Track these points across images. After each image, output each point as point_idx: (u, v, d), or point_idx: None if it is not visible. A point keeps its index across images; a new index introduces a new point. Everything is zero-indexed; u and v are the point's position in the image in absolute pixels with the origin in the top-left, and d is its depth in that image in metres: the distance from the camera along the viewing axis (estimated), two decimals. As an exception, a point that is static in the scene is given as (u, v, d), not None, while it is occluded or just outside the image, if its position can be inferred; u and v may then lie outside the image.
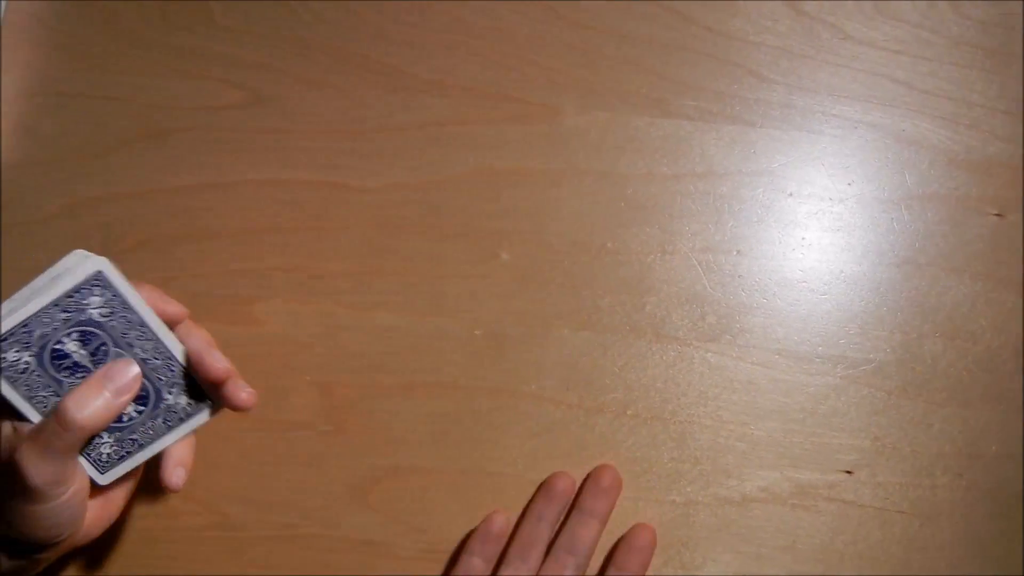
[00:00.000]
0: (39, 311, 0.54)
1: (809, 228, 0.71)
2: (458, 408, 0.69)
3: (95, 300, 0.55)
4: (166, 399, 0.59)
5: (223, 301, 0.70)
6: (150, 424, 0.59)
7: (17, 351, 0.55)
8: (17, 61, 0.73)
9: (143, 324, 0.57)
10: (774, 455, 0.69)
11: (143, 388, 0.58)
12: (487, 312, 0.70)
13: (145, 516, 0.69)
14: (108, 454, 0.59)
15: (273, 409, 0.70)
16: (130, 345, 0.57)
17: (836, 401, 0.69)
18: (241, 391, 0.58)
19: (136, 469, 0.61)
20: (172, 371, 0.59)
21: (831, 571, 0.68)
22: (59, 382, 0.56)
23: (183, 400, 0.59)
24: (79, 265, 0.55)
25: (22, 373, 0.55)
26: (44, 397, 0.56)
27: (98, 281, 0.55)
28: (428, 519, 0.69)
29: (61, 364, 0.56)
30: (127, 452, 0.59)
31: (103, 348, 0.56)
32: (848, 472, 0.69)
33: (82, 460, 0.58)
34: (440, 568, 0.68)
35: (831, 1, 0.73)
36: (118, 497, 0.62)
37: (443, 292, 0.70)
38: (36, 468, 0.53)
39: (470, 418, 0.69)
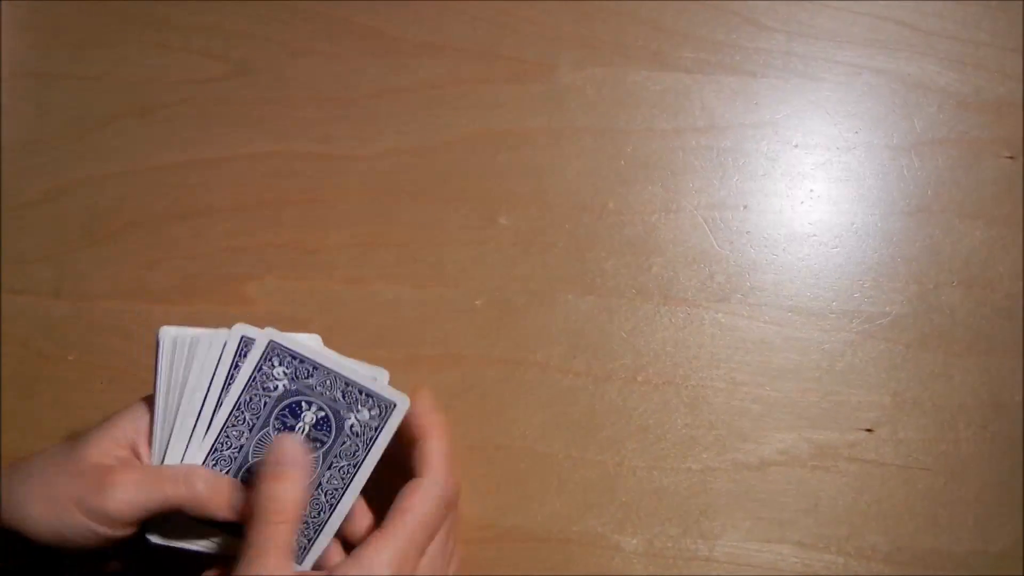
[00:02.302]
0: (329, 369, 0.54)
1: (817, 179, 0.65)
2: (463, 380, 0.64)
3: (365, 415, 0.53)
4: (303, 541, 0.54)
5: (216, 280, 0.65)
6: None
7: (284, 371, 0.54)
8: (-6, 44, 0.68)
9: (357, 467, 0.53)
10: (791, 416, 0.63)
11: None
12: (488, 280, 0.65)
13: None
14: (178, 524, 0.53)
15: (272, 391, 0.64)
16: (329, 466, 0.53)
17: (852, 357, 0.64)
18: None
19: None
20: (318, 517, 0.54)
21: (856, 532, 0.62)
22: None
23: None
24: (386, 384, 0.54)
25: (264, 389, 0.54)
26: (246, 417, 0.54)
27: (384, 408, 0.53)
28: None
29: (284, 416, 0.54)
30: (190, 536, 0.54)
31: (317, 443, 0.53)
32: (868, 430, 0.63)
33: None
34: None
35: (828, -55, 0.68)
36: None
37: (442, 261, 0.65)
38: (127, 489, 0.50)
39: (476, 391, 0.63)
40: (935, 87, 0.66)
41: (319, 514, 0.54)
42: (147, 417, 0.54)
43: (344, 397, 0.53)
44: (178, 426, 0.53)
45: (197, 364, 0.53)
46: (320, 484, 0.54)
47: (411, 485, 0.53)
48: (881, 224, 0.65)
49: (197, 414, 0.53)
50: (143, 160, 0.66)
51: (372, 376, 0.54)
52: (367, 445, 0.53)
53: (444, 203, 0.65)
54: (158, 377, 0.53)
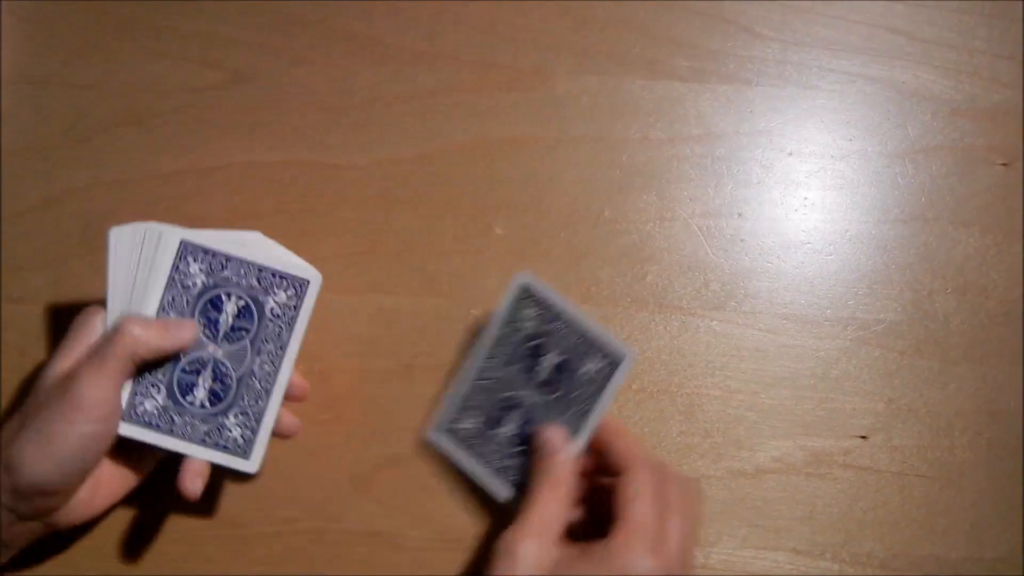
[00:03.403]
0: (243, 259, 0.55)
1: (811, 187, 0.64)
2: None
3: (282, 296, 0.56)
4: (228, 418, 0.56)
5: (211, 290, 0.64)
6: (197, 424, 0.55)
7: (200, 268, 0.55)
8: (-10, 53, 0.66)
9: (284, 348, 0.56)
10: (786, 423, 0.62)
11: (225, 389, 0.55)
12: (484, 289, 0.63)
13: (143, 515, 0.62)
14: (147, 410, 0.54)
15: (268, 399, 0.63)
16: (259, 352, 0.55)
17: (847, 364, 0.62)
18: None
19: (133, 473, 0.57)
20: (256, 404, 0.56)
21: (851, 539, 0.61)
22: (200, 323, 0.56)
23: (236, 433, 0.56)
24: (298, 262, 0.57)
25: (184, 288, 0.55)
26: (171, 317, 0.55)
27: (299, 287, 0.56)
28: (434, 508, 0.62)
29: (208, 310, 0.55)
30: (158, 425, 0.55)
31: (243, 331, 0.55)
32: (863, 437, 0.62)
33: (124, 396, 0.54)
34: (449, 558, 0.61)
35: (822, -47, 0.66)
36: (105, 491, 0.56)
37: (438, 270, 0.63)
38: (88, 385, 0.51)
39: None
40: (929, 95, 0.65)
41: (257, 401, 0.56)
42: (102, 326, 0.55)
43: (260, 283, 0.55)
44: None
45: (133, 263, 0.55)
46: (253, 372, 0.55)
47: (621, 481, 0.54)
48: (876, 232, 0.64)
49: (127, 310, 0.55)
50: (140, 168, 0.64)
51: (286, 260, 0.56)
52: (289, 325, 0.56)
53: (440, 212, 0.64)
54: (108, 277, 0.55)
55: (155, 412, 0.55)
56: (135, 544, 0.62)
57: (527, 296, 0.57)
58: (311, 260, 0.63)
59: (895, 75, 0.65)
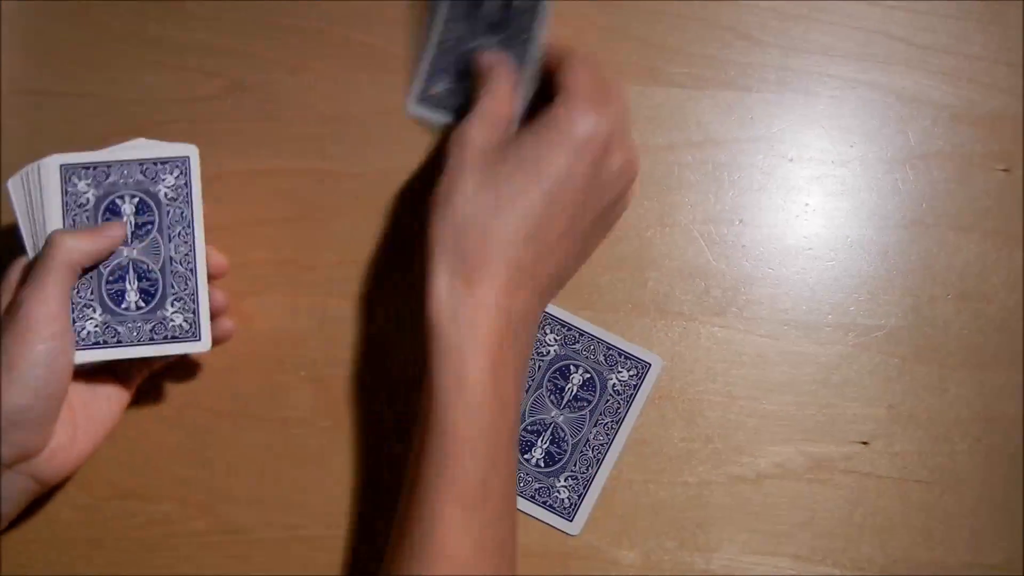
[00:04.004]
0: (122, 160, 0.56)
1: (812, 193, 0.64)
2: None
3: (169, 179, 0.56)
4: (166, 309, 0.56)
5: (213, 298, 0.63)
6: (140, 325, 0.56)
7: (87, 184, 0.56)
8: (-10, 63, 0.66)
9: (190, 226, 0.57)
10: (787, 429, 0.62)
11: (153, 284, 0.56)
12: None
13: (145, 522, 0.62)
14: (90, 332, 0.55)
15: (270, 407, 0.63)
16: (169, 239, 0.56)
17: (848, 370, 0.62)
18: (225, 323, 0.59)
19: (106, 407, 0.58)
20: (186, 286, 0.56)
21: (851, 545, 0.61)
22: None
23: (179, 319, 0.56)
24: (172, 145, 0.57)
25: (80, 207, 0.56)
26: None
27: (181, 165, 0.57)
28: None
29: (107, 218, 0.56)
30: (105, 341, 0.56)
31: (148, 225, 0.56)
32: (864, 443, 0.62)
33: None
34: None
35: (822, -42, 0.66)
36: (84, 431, 0.57)
37: (438, 278, 0.63)
38: (33, 305, 0.52)
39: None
40: (929, 101, 0.64)
41: (187, 283, 0.57)
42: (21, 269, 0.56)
43: (145, 176, 0.57)
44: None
45: (32, 205, 0.56)
46: (171, 258, 0.56)
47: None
48: (876, 237, 0.63)
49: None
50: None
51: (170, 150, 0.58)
52: (187, 201, 0.57)
53: (440, 220, 0.63)
54: (19, 227, 0.56)
55: (98, 330, 0.55)
56: (137, 550, 0.62)
57: (546, 321, 0.61)
58: (310, 268, 0.63)
59: (895, 81, 0.64)
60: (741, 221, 0.63)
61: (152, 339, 0.56)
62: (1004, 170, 0.63)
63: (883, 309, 0.63)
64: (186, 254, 0.56)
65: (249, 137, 0.64)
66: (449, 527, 0.50)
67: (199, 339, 0.56)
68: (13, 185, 0.56)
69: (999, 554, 0.61)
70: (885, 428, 0.62)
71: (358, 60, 0.65)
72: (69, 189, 0.56)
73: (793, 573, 0.61)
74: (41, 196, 0.56)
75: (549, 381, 0.61)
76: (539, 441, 0.61)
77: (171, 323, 0.56)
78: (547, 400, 0.61)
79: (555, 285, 0.56)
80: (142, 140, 0.58)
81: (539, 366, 0.61)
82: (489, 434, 0.51)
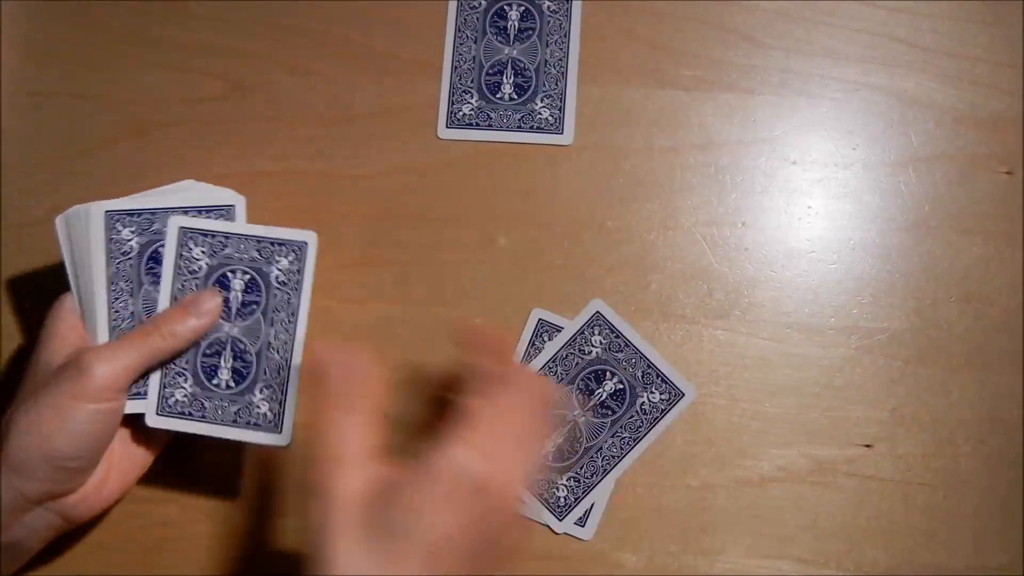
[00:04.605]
0: (244, 234, 0.55)
1: (814, 196, 0.63)
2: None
3: (283, 263, 0.55)
4: (254, 395, 0.55)
5: (214, 301, 0.63)
6: (227, 406, 0.55)
7: (202, 251, 0.55)
8: (-9, 65, 0.65)
9: (295, 314, 0.55)
10: (790, 432, 0.61)
11: (247, 366, 0.55)
12: (488, 299, 0.62)
13: (150, 525, 0.61)
14: (178, 400, 0.55)
15: (272, 410, 0.62)
16: (271, 323, 0.55)
17: (851, 373, 0.62)
18: None
19: (140, 457, 0.57)
20: (279, 375, 0.55)
21: (855, 548, 0.61)
22: (141, 284, 0.56)
23: (265, 408, 0.55)
24: (288, 232, 0.56)
25: (191, 273, 0.55)
26: (122, 287, 0.55)
27: (299, 250, 0.55)
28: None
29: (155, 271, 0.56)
30: (190, 413, 0.55)
31: (253, 305, 0.55)
32: (867, 446, 0.61)
33: (152, 390, 0.55)
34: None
35: (824, -39, 0.65)
36: (116, 477, 0.56)
37: (441, 280, 0.63)
38: (105, 364, 0.51)
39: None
40: (932, 103, 0.64)
41: (279, 372, 0.55)
42: (73, 310, 0.55)
43: (261, 253, 0.55)
44: (101, 304, 0.55)
45: (78, 246, 0.55)
46: (270, 343, 0.55)
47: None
48: (879, 240, 0.63)
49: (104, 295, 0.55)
50: (141, 179, 0.63)
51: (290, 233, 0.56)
52: (297, 291, 0.56)
53: (443, 223, 0.63)
54: (65, 263, 0.56)
55: (186, 400, 0.55)
56: (140, 552, 0.61)
57: (597, 322, 0.60)
58: (315, 270, 0.62)
59: (898, 83, 0.64)
60: (744, 224, 0.63)
61: (235, 421, 0.55)
62: (1007, 172, 0.63)
63: (886, 312, 0.62)
64: (284, 342, 0.55)
65: (250, 138, 0.64)
66: None
67: (280, 432, 0.55)
68: (62, 223, 0.55)
69: (1002, 556, 0.60)
70: (888, 431, 0.61)
71: (359, 61, 0.64)
72: (183, 254, 0.55)
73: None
74: (88, 242, 0.55)
75: (582, 380, 0.61)
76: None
77: (256, 410, 0.55)
78: (575, 398, 0.61)
79: None
80: (190, 182, 0.58)
81: (577, 363, 0.61)
82: None
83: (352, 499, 0.45)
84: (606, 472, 0.60)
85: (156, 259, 0.55)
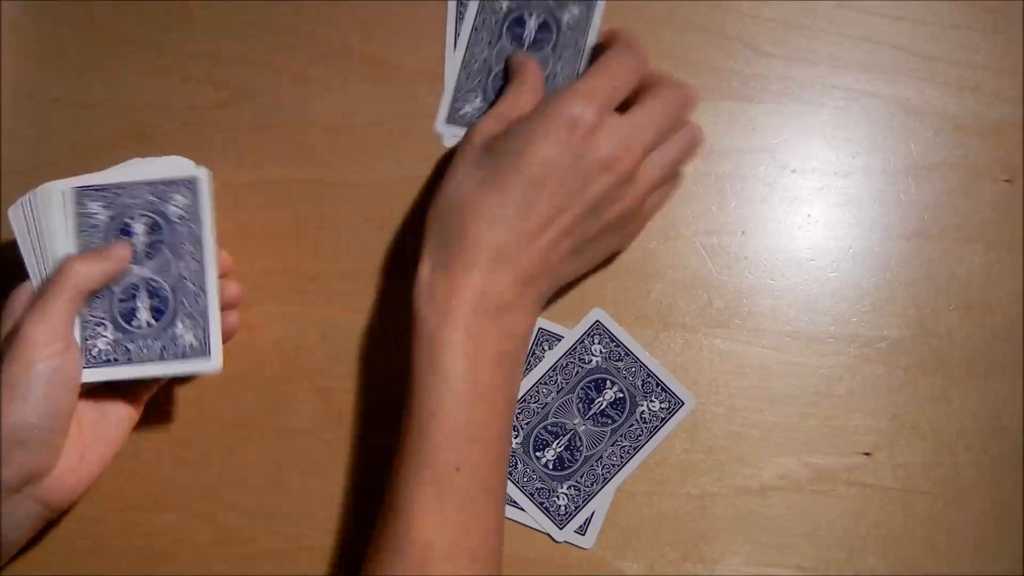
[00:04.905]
0: (135, 182, 0.56)
1: (815, 204, 0.63)
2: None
3: (179, 199, 0.56)
4: (176, 327, 0.56)
5: (215, 308, 0.63)
6: (151, 343, 0.56)
7: (100, 205, 0.56)
8: (-7, 71, 0.65)
9: (200, 244, 0.56)
10: (790, 441, 0.61)
11: (163, 302, 0.56)
12: (488, 307, 0.62)
13: (148, 533, 0.62)
14: (101, 350, 0.55)
15: (273, 417, 0.62)
16: (179, 257, 0.56)
17: (851, 382, 0.62)
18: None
19: (112, 428, 0.57)
20: (197, 303, 0.56)
21: (855, 556, 0.61)
22: None
23: (189, 337, 0.56)
24: (180, 165, 0.57)
25: (93, 227, 0.56)
26: None
27: (191, 185, 0.56)
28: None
29: (118, 239, 0.56)
30: (115, 359, 0.55)
31: (159, 244, 0.56)
32: (867, 454, 0.61)
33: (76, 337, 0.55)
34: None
35: (825, -33, 0.65)
36: (93, 457, 0.56)
37: (441, 289, 0.62)
38: (36, 319, 0.52)
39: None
40: (932, 111, 0.63)
41: (197, 301, 0.56)
42: (31, 294, 0.55)
43: (156, 195, 0.56)
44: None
45: (37, 230, 0.56)
46: (182, 275, 0.56)
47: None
48: (879, 248, 0.63)
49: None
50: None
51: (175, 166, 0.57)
52: (197, 221, 0.57)
53: (443, 230, 0.63)
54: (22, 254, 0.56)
55: (109, 348, 0.55)
56: (141, 560, 0.61)
57: (597, 331, 0.61)
58: (313, 277, 0.63)
59: (898, 92, 0.64)
60: (744, 232, 0.63)
61: (162, 357, 0.56)
62: (1007, 181, 0.63)
63: (886, 320, 0.62)
64: (196, 271, 0.56)
65: (252, 146, 0.64)
66: (423, 511, 0.50)
67: (209, 357, 0.56)
68: (14, 214, 0.56)
69: (1003, 565, 0.60)
70: (888, 439, 0.61)
71: (360, 70, 0.64)
72: (80, 212, 0.56)
73: (796, 584, 0.61)
74: (45, 222, 0.55)
75: (582, 389, 0.61)
76: (555, 443, 0.60)
77: (181, 341, 0.56)
78: (575, 406, 0.61)
79: (545, 277, 0.55)
80: (137, 159, 0.58)
81: (577, 372, 0.61)
82: (464, 417, 0.51)
83: (484, 135, 0.55)
84: (606, 480, 0.60)
85: (126, 231, 0.56)
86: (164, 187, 0.56)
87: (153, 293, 0.56)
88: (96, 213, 0.56)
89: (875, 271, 0.62)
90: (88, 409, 0.56)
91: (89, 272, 0.54)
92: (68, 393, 0.53)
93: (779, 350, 0.62)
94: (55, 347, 0.52)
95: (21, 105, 0.65)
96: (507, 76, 0.62)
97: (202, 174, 0.57)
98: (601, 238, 0.57)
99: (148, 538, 0.61)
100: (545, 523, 0.60)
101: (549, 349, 0.61)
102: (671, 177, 0.59)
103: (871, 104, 0.64)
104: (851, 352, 0.62)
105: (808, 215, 0.63)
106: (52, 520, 0.57)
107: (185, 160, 0.57)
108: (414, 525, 0.50)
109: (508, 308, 0.53)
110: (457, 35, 0.63)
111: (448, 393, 0.51)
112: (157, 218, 0.56)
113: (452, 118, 0.63)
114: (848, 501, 0.61)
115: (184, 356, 0.56)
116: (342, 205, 0.63)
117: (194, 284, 0.56)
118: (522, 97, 0.58)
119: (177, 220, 0.56)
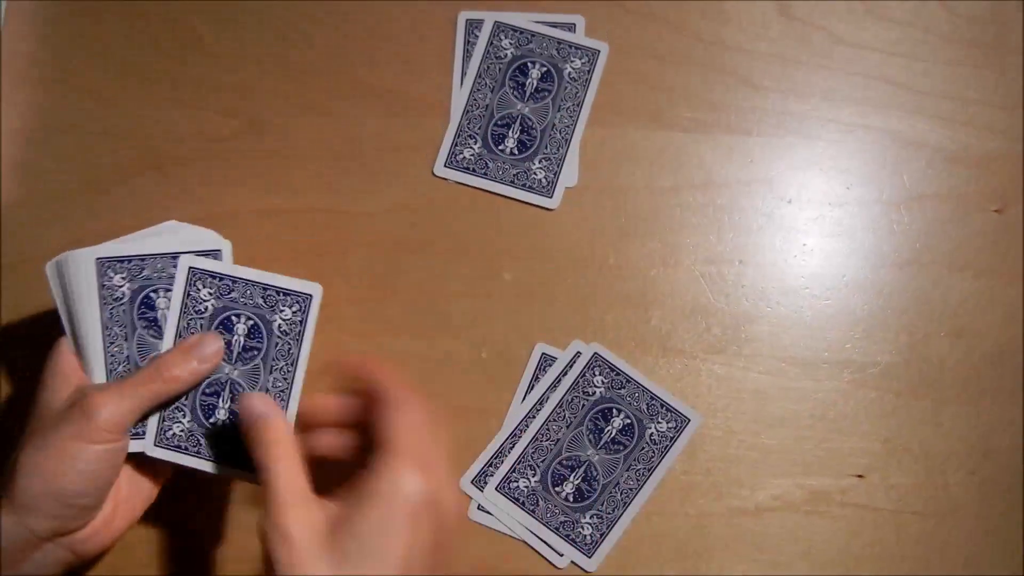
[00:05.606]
0: (250, 280, 0.56)
1: (810, 234, 0.65)
2: (469, 432, 0.63)
3: (287, 312, 0.56)
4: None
5: (229, 334, 0.64)
6: (222, 444, 0.56)
7: (209, 293, 0.56)
8: (14, 99, 0.67)
9: (294, 364, 0.56)
10: (786, 463, 0.63)
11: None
12: (493, 332, 0.64)
13: (165, 556, 0.63)
14: (175, 433, 0.56)
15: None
16: (271, 371, 0.56)
17: (844, 406, 0.63)
18: None
19: (146, 489, 0.58)
20: None
21: (849, 575, 0.62)
22: (134, 328, 0.56)
23: None
24: (213, 240, 0.57)
25: (198, 314, 0.56)
26: (116, 332, 0.56)
27: (303, 301, 0.56)
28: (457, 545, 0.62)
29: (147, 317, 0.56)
30: (186, 448, 0.56)
31: (255, 351, 0.56)
32: (860, 476, 0.63)
33: (152, 422, 0.56)
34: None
35: (821, 3, 0.67)
36: (124, 511, 0.57)
37: (448, 314, 0.64)
38: (109, 407, 0.52)
39: (481, 442, 0.63)
40: (925, 143, 0.65)
41: None
42: (72, 351, 0.56)
43: (265, 301, 0.56)
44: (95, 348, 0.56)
45: (70, 292, 0.56)
46: (267, 389, 0.56)
47: (375, 470, 0.49)
48: (872, 277, 0.64)
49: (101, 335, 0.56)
50: (157, 214, 0.64)
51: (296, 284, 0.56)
52: (298, 340, 0.56)
53: (449, 257, 0.65)
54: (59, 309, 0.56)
55: (182, 435, 0.56)
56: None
57: (596, 363, 0.62)
58: (324, 304, 0.64)
59: (892, 125, 0.65)
60: (741, 261, 0.64)
61: (227, 460, 0.56)
62: (997, 211, 0.65)
63: (879, 346, 0.64)
64: (282, 390, 0.56)
65: (265, 175, 0.66)
66: None
67: None
68: (52, 269, 0.56)
69: (992, 585, 0.62)
70: (881, 461, 0.63)
71: (369, 101, 0.66)
72: (191, 292, 0.56)
73: (791, 602, 0.62)
74: (78, 288, 0.56)
75: (591, 421, 0.62)
76: (572, 476, 0.62)
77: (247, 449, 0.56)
78: (586, 439, 0.62)
79: None
80: (174, 223, 0.59)
81: (583, 404, 0.62)
82: None
83: (312, 536, 0.47)
84: (626, 505, 0.62)
85: (149, 304, 0.56)
86: (277, 295, 0.56)
87: (235, 397, 0.56)
88: (204, 300, 0.56)
89: (868, 298, 0.64)
90: (125, 474, 0.57)
91: (178, 376, 0.54)
92: (114, 471, 0.54)
93: (775, 375, 0.64)
94: (116, 433, 0.53)
95: (39, 134, 0.66)
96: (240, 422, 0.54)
97: (316, 291, 0.56)
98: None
99: (164, 557, 0.63)
100: (575, 555, 0.62)
101: (552, 391, 0.63)
102: None
103: (865, 137, 0.65)
104: (845, 377, 0.64)
105: (804, 244, 0.65)
106: (77, 568, 0.58)
107: (221, 239, 0.58)
108: None
109: None
110: (463, 73, 0.65)
111: None
112: (261, 324, 0.56)
113: (451, 162, 0.65)
114: (842, 521, 0.62)
115: (245, 466, 0.56)
116: (353, 232, 0.65)
117: (276, 398, 0.56)
118: (291, 465, 0.50)
119: (279, 333, 0.56)
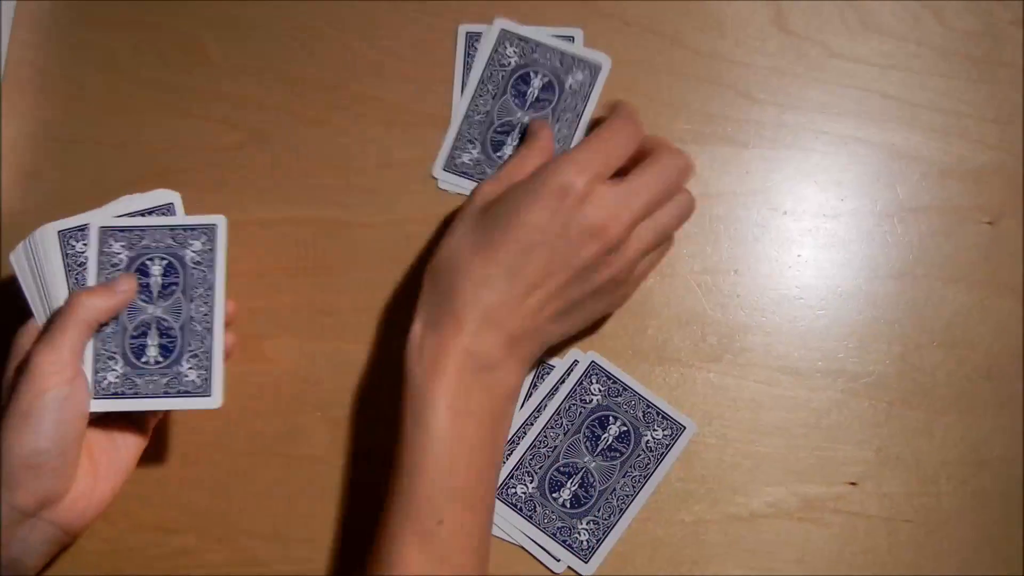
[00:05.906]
0: (157, 226, 0.60)
1: (804, 245, 0.66)
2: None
3: (197, 245, 0.60)
4: (181, 366, 0.58)
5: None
6: (157, 379, 0.58)
7: (122, 246, 0.59)
8: (18, 109, 0.68)
9: (211, 288, 0.59)
10: (780, 471, 0.64)
11: (172, 341, 0.59)
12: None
13: (165, 555, 0.64)
14: (111, 382, 0.58)
15: (288, 445, 0.65)
16: (190, 300, 0.59)
17: (838, 415, 0.64)
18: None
19: (122, 455, 0.60)
20: (203, 344, 0.59)
21: (841, 582, 0.63)
22: None
23: (193, 375, 0.58)
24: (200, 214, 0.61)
25: (113, 266, 0.59)
26: None
27: (209, 231, 0.60)
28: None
29: (140, 281, 0.59)
30: (123, 392, 0.58)
31: (173, 286, 0.59)
32: (853, 484, 0.64)
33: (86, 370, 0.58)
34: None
35: (817, 17, 0.68)
36: (105, 482, 0.58)
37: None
38: (44, 351, 0.54)
39: (480, 448, 0.64)
40: (919, 156, 0.66)
41: (203, 342, 0.59)
42: (37, 329, 0.58)
43: (175, 239, 0.60)
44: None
45: (41, 273, 0.59)
46: (191, 317, 0.59)
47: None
48: (866, 287, 0.65)
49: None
50: (164, 223, 0.66)
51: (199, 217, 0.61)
52: (212, 267, 0.60)
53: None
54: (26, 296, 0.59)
55: (117, 381, 0.58)
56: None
57: (594, 372, 0.64)
58: (328, 312, 0.65)
59: (886, 137, 0.66)
60: (736, 271, 0.65)
61: (166, 393, 0.58)
62: (989, 223, 0.65)
63: (872, 356, 0.65)
64: (205, 314, 0.59)
65: (268, 186, 0.67)
66: (405, 562, 0.52)
67: (210, 395, 0.58)
68: (15, 257, 0.59)
69: (983, 592, 0.63)
70: (874, 470, 0.64)
71: (373, 113, 0.67)
72: (104, 250, 0.59)
73: (785, 608, 0.63)
74: (47, 264, 0.59)
75: (587, 428, 0.63)
76: (569, 483, 0.63)
77: (185, 378, 0.58)
78: (583, 445, 0.63)
79: (533, 339, 0.57)
80: (126, 197, 0.61)
81: (580, 412, 0.63)
82: (447, 473, 0.53)
83: (485, 197, 0.57)
84: (622, 511, 0.63)
85: (143, 271, 0.59)
86: (184, 232, 0.60)
87: (163, 332, 0.59)
88: (118, 252, 0.59)
89: (862, 309, 0.65)
90: (99, 436, 0.59)
91: (96, 305, 0.56)
92: (77, 420, 0.55)
93: (770, 384, 0.64)
94: (63, 376, 0.54)
95: (44, 145, 0.68)
96: (522, 139, 0.65)
97: (220, 222, 0.60)
98: (590, 302, 0.58)
99: (165, 559, 0.63)
100: (572, 560, 0.62)
101: (550, 398, 0.64)
102: (662, 243, 0.60)
103: (859, 149, 0.66)
104: (838, 386, 0.64)
105: (798, 255, 0.65)
106: (68, 544, 0.59)
107: (170, 192, 0.61)
108: (396, 574, 0.52)
109: (495, 368, 0.55)
110: (464, 84, 0.66)
111: (432, 448, 0.53)
112: (174, 261, 0.59)
113: (449, 165, 0.66)
114: (835, 529, 0.63)
115: (187, 393, 0.58)
116: (356, 243, 0.66)
117: (201, 326, 0.59)
118: (527, 162, 0.59)
119: (193, 265, 0.59)
